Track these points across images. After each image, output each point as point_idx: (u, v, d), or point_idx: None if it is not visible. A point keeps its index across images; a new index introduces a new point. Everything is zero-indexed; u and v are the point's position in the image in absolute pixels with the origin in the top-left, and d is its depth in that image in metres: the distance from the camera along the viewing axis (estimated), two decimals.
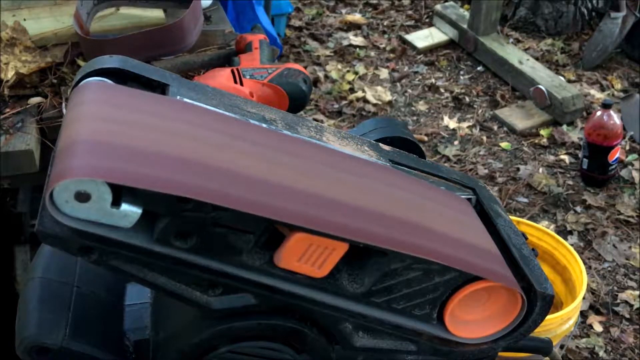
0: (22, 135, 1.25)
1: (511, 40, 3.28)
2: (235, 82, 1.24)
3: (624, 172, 2.53)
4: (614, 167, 2.47)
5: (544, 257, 1.84)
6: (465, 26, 3.20)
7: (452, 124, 2.80)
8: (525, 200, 2.45)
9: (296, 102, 1.27)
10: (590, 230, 2.31)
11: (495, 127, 2.80)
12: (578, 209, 2.40)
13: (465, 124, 2.81)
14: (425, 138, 2.75)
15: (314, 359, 0.63)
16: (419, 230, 0.60)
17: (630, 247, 2.25)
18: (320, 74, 3.05)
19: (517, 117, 2.82)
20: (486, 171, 2.58)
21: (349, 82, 3.04)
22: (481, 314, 0.64)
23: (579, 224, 2.34)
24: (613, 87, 3.00)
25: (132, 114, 0.55)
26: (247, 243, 0.54)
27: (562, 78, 2.95)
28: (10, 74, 1.33)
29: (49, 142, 1.28)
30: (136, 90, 0.60)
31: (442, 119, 2.84)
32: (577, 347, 1.94)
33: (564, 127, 2.75)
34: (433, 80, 3.07)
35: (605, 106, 2.41)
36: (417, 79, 3.10)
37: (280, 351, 0.61)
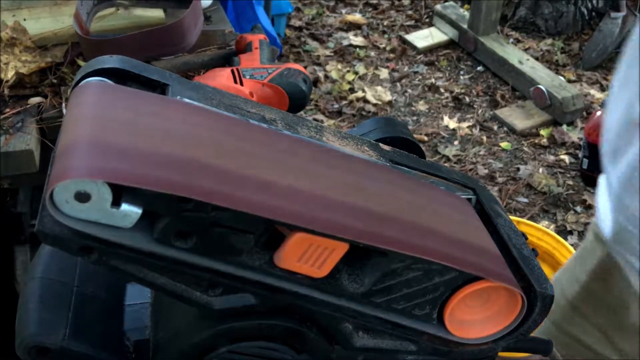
0: (22, 135, 1.25)
1: (511, 40, 3.28)
2: (235, 82, 1.24)
3: None
4: None
5: (544, 257, 1.84)
6: (465, 26, 3.20)
7: (452, 124, 2.80)
8: (525, 200, 2.45)
9: (296, 102, 1.27)
10: None
11: (495, 127, 2.80)
12: (578, 209, 2.40)
13: (465, 124, 2.81)
14: (425, 138, 2.75)
15: (314, 359, 0.63)
16: (419, 230, 0.60)
17: None
18: (320, 74, 3.05)
19: (517, 117, 2.82)
20: (486, 171, 2.58)
21: (349, 82, 3.04)
22: (481, 314, 0.64)
23: (579, 224, 2.34)
24: None
25: (132, 113, 0.55)
26: (247, 243, 0.54)
27: (562, 78, 2.95)
28: (10, 74, 1.33)
29: (49, 142, 1.28)
30: (136, 90, 0.60)
31: (442, 119, 2.84)
32: None
33: (564, 127, 2.75)
34: (433, 80, 3.07)
35: None
36: (417, 79, 3.10)
37: (280, 351, 0.61)
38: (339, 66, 3.11)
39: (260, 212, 0.51)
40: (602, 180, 0.95)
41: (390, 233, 0.57)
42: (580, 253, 1.06)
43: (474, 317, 0.64)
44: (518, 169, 2.55)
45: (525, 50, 3.15)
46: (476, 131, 2.74)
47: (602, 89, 2.97)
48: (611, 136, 0.84)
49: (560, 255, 1.82)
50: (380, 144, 0.74)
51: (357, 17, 3.48)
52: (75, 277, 0.66)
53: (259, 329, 0.60)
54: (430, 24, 3.37)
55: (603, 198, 0.93)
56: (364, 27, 3.41)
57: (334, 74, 3.04)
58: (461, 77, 3.06)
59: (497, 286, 0.61)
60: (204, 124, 0.59)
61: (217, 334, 0.59)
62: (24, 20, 1.45)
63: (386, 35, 3.35)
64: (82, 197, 0.48)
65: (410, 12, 3.53)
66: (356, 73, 3.07)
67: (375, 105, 2.87)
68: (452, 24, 3.25)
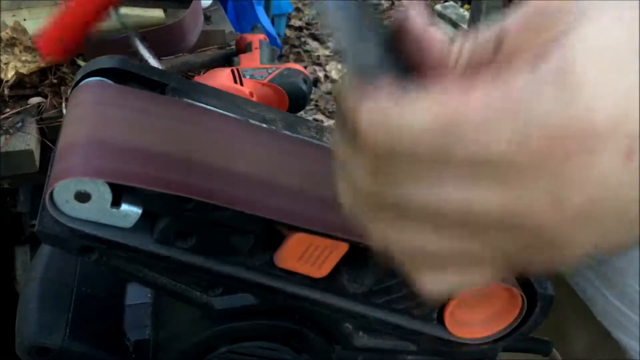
0: (22, 135, 1.25)
1: None
2: (235, 82, 1.24)
3: None
4: None
5: None
6: (465, 26, 3.20)
7: None
8: None
9: (296, 102, 1.27)
10: None
11: None
12: None
13: None
14: None
15: (314, 359, 0.63)
16: None
17: None
18: (320, 74, 3.06)
19: None
20: None
21: None
22: (481, 314, 0.64)
23: None
24: None
25: (132, 113, 0.55)
26: (247, 243, 0.54)
27: None
28: (10, 74, 1.33)
29: (49, 142, 1.28)
30: (136, 90, 0.60)
31: None
32: None
33: None
34: None
35: None
36: None
37: (280, 351, 0.61)
38: (339, 66, 3.11)
39: (260, 212, 0.51)
40: None
41: None
42: None
43: (474, 317, 0.64)
44: None
45: None
46: None
47: None
48: None
49: None
50: None
51: None
52: (75, 277, 0.66)
53: (259, 329, 0.60)
54: None
55: None
56: None
57: (334, 74, 3.04)
58: None
59: (497, 286, 0.61)
60: (204, 124, 0.59)
61: (217, 334, 0.60)
62: (24, 20, 1.45)
63: None
64: (82, 197, 0.48)
65: None
66: None
67: None
68: (452, 24, 3.25)
